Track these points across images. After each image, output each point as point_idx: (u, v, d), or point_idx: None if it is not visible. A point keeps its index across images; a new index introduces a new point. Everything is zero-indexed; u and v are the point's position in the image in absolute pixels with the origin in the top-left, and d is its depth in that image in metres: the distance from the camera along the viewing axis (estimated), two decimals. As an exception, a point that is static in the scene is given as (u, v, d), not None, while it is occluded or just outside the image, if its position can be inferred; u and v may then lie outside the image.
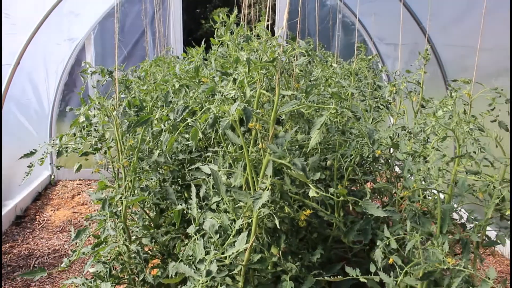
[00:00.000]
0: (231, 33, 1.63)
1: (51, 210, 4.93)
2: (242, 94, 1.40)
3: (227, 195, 1.47)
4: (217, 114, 1.38)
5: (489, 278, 1.44)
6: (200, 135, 1.39)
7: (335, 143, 2.16)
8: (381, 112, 2.42)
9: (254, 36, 1.85)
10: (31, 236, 4.30)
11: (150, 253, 2.29)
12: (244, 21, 3.27)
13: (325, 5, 5.70)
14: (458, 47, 4.08)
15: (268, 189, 1.36)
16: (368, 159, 2.31)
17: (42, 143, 2.07)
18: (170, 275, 1.51)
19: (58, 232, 4.42)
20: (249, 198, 1.35)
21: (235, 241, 1.42)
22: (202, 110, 1.41)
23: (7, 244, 4.08)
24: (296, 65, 1.46)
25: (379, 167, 2.47)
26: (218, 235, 1.44)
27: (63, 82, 5.37)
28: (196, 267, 1.42)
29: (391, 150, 2.48)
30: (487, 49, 3.68)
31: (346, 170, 2.16)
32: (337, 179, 2.19)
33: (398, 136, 2.35)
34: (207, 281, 1.44)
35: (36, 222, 4.61)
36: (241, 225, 1.48)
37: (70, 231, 4.43)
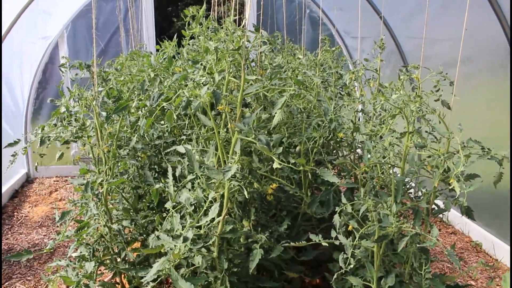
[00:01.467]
0: (201, 25, 1.79)
1: (29, 207, 4.99)
2: (211, 80, 1.56)
3: (200, 171, 1.63)
4: (189, 98, 1.54)
5: (434, 237, 1.64)
6: (174, 116, 1.54)
7: (301, 127, 2.34)
8: (344, 99, 2.61)
9: (223, 29, 2.01)
10: (10, 232, 4.36)
11: (130, 235, 2.43)
12: (215, 17, 3.42)
13: (293, 1, 5.88)
14: (418, 39, 4.32)
15: (237, 163, 1.53)
16: (331, 141, 2.50)
17: (21, 136, 2.19)
18: (150, 246, 1.66)
19: (37, 227, 4.50)
20: (219, 172, 1.51)
21: (208, 212, 1.59)
22: (176, 94, 1.56)
23: (-13, 240, 4.14)
24: (260, 52, 1.63)
25: (343, 150, 2.67)
26: (193, 207, 1.60)
27: (37, 80, 5.42)
28: (173, 237, 1.58)
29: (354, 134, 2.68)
30: (444, 39, 3.94)
31: (312, 151, 2.35)
32: (306, 161, 2.37)
33: (359, 120, 2.56)
34: (184, 248, 1.60)
35: (14, 219, 4.67)
36: (214, 198, 1.64)
37: (49, 226, 4.51)
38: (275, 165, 1.46)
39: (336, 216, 1.62)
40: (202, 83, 1.62)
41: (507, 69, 3.26)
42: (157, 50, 2.69)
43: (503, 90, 3.35)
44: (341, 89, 2.74)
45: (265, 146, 1.43)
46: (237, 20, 2.39)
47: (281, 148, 1.49)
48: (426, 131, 1.86)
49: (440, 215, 4.94)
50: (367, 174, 2.10)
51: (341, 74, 2.75)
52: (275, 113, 1.49)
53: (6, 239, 4.19)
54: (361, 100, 2.13)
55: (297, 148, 2.40)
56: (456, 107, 3.90)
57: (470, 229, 4.45)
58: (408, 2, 4.08)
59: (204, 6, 1.82)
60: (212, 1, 3.47)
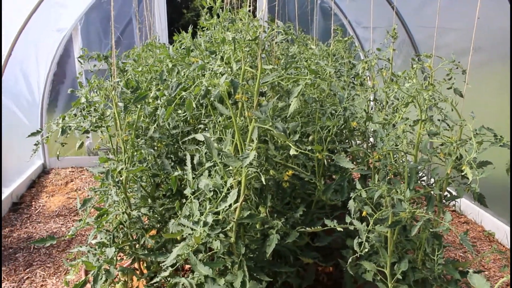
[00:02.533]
0: (218, 16, 1.83)
1: (46, 197, 5.10)
2: (229, 69, 1.60)
3: (218, 158, 1.68)
4: (208, 87, 1.59)
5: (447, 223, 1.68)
6: (193, 105, 1.59)
7: (315, 116, 2.38)
8: (356, 89, 2.64)
9: (238, 19, 2.05)
10: (28, 221, 4.47)
11: (148, 223, 2.50)
12: (228, 8, 3.46)
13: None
14: (429, 28, 4.32)
15: (254, 150, 1.57)
16: (344, 130, 2.54)
17: (37, 127, 2.25)
18: (170, 231, 1.72)
19: (55, 217, 4.60)
20: (237, 160, 1.56)
21: (227, 198, 1.64)
22: (195, 84, 1.61)
23: (6, 229, 4.25)
24: (276, 43, 1.67)
25: (356, 139, 2.71)
26: (211, 193, 1.66)
27: (53, 72, 5.50)
28: (193, 222, 1.64)
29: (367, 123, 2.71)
30: (455, 29, 3.93)
31: (325, 140, 2.39)
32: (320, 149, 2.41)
33: (371, 109, 2.59)
34: (203, 233, 1.66)
35: (32, 208, 4.78)
36: (231, 185, 1.69)
37: (66, 215, 4.61)
38: (292, 151, 1.51)
39: (351, 202, 1.67)
40: (220, 72, 1.66)
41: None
42: (170, 42, 2.74)
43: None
44: (353, 78, 2.76)
45: (282, 133, 1.47)
46: (250, 10, 2.43)
47: (297, 135, 1.54)
48: (439, 119, 1.89)
49: (453, 205, 4.96)
50: (380, 162, 2.14)
51: (353, 64, 2.78)
52: (291, 101, 1.53)
53: (25, 228, 4.30)
54: (374, 89, 2.16)
55: (310, 138, 2.44)
56: (468, 96, 3.92)
57: (482, 219, 4.47)
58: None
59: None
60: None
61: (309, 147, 1.51)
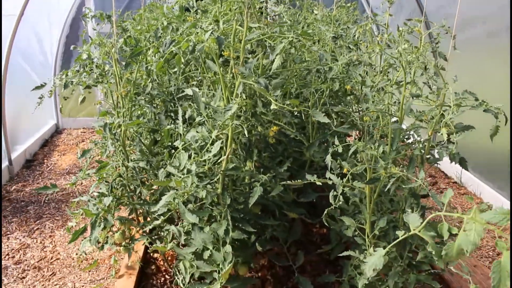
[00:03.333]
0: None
1: (58, 155, 5.28)
2: (216, 27, 1.68)
3: (206, 112, 1.78)
4: (196, 43, 1.67)
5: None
6: (182, 60, 1.67)
7: (311, 80, 2.44)
8: (353, 52, 2.69)
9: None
10: (40, 177, 4.66)
11: (146, 176, 2.62)
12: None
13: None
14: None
15: (238, 104, 1.66)
16: (339, 93, 2.59)
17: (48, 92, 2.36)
18: (160, 179, 1.84)
19: (65, 174, 4.79)
20: (221, 111, 1.65)
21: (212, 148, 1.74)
22: (184, 40, 1.69)
23: (19, 184, 4.45)
24: (266, 2, 1.73)
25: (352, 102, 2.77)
26: (197, 143, 1.76)
27: (65, 34, 5.61)
28: (179, 170, 1.75)
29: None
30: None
31: (319, 101, 2.46)
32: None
33: (366, 73, 2.63)
34: (191, 185, 1.77)
35: (44, 166, 4.97)
36: (218, 137, 1.79)
37: (77, 173, 4.79)
38: (273, 106, 1.59)
39: (328, 157, 1.75)
40: (210, 30, 1.74)
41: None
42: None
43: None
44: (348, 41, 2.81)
45: (263, 88, 1.55)
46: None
47: (279, 90, 1.61)
48: (424, 82, 1.94)
49: (455, 178, 5.01)
50: (367, 123, 2.21)
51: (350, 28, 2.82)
52: (274, 58, 1.60)
53: (37, 184, 4.49)
54: (363, 52, 2.21)
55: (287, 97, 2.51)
56: (473, 67, 3.93)
57: (482, 191, 4.52)
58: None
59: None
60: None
61: (288, 102, 1.58)
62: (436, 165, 5.28)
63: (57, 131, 6.05)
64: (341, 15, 3.35)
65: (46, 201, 4.12)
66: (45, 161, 5.10)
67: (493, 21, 3.76)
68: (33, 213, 3.89)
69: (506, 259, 0.91)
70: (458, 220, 1.17)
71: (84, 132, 6.00)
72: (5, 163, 4.52)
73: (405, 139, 2.10)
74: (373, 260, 1.39)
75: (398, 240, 1.40)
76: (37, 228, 3.67)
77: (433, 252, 1.22)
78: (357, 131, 3.26)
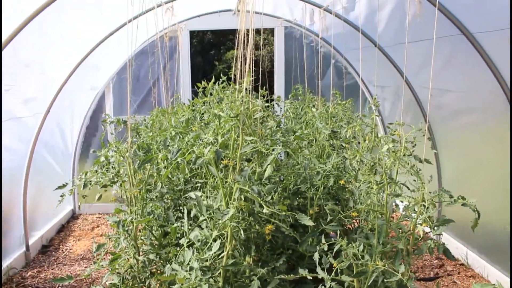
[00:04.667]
0: (211, 94, 2.20)
1: (73, 241, 5.49)
2: (216, 141, 1.95)
3: (207, 213, 2.00)
4: (198, 155, 1.94)
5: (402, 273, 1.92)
6: (186, 170, 1.93)
7: (304, 175, 2.68)
8: (346, 150, 2.95)
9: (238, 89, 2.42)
10: (55, 263, 4.84)
11: (156, 267, 2.81)
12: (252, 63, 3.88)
13: (319, 52, 6.32)
14: (428, 89, 4.62)
15: (236, 207, 1.89)
16: (333, 189, 2.82)
17: (68, 179, 2.65)
18: (166, 274, 2.03)
19: (79, 260, 4.96)
20: (220, 215, 1.88)
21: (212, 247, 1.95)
22: (188, 152, 1.96)
23: (35, 270, 4.63)
24: (257, 117, 2.01)
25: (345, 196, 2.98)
26: (200, 243, 1.97)
27: (85, 125, 6.05)
28: (183, 267, 1.95)
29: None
30: (450, 90, 4.23)
31: (315, 197, 2.68)
32: (310, 206, 2.69)
33: (358, 169, 2.87)
34: (195, 278, 1.96)
35: (59, 251, 5.16)
36: (219, 236, 2.00)
37: (90, 259, 4.96)
38: (265, 210, 1.82)
39: (316, 254, 1.94)
40: (211, 142, 2.02)
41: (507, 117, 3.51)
42: (193, 98, 3.13)
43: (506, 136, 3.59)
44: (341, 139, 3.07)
45: (255, 195, 1.79)
46: (253, 81, 2.81)
47: (270, 196, 1.85)
48: (402, 183, 2.17)
49: (462, 259, 5.06)
50: (357, 218, 2.41)
51: (342, 125, 3.10)
52: (265, 168, 1.86)
53: (52, 269, 4.66)
54: (350, 155, 2.46)
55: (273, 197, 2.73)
56: (469, 151, 4.14)
57: (489, 273, 4.56)
58: (417, 54, 4.40)
59: (213, 80, 2.23)
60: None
61: (277, 207, 1.80)
62: (435, 254, 5.35)
63: (73, 216, 6.30)
64: (337, 111, 3.66)
65: (59, 287, 4.27)
66: (61, 246, 5.30)
67: (479, 112, 4.05)
68: (47, 301, 4.03)
69: None
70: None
71: (99, 218, 6.24)
72: (22, 249, 4.74)
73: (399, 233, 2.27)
74: None
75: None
76: (51, 316, 3.80)
77: None
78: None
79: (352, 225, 2.87)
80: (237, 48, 2.26)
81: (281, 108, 5.04)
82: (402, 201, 2.21)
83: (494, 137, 3.92)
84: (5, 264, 4.34)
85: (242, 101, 1.93)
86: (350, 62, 6.42)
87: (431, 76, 2.91)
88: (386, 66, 5.31)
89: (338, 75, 6.52)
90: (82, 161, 6.16)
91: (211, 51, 22.70)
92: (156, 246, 2.79)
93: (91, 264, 4.81)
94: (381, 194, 2.31)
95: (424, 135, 2.32)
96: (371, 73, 5.98)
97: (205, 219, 2.12)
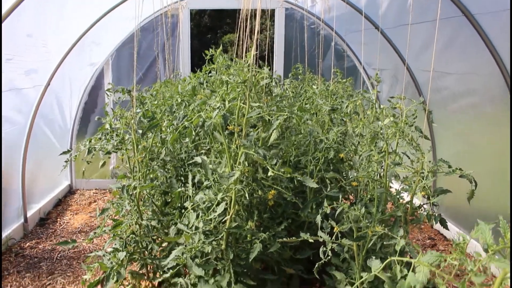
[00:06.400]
0: (217, 62, 2.23)
1: (70, 215, 5.53)
2: (222, 105, 1.99)
3: (212, 177, 2.05)
4: (205, 119, 1.97)
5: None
6: (193, 133, 1.97)
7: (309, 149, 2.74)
8: (347, 124, 3.00)
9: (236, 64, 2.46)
10: (53, 235, 4.89)
11: (157, 235, 2.86)
12: (247, 48, 3.91)
13: (319, 34, 6.34)
14: (428, 72, 4.67)
15: (240, 171, 1.94)
16: (333, 161, 2.88)
17: (72, 146, 2.69)
18: (171, 235, 2.08)
19: (77, 233, 5.01)
20: (225, 177, 1.93)
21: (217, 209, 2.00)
22: (196, 116, 2.00)
23: (33, 241, 4.67)
24: (263, 84, 2.05)
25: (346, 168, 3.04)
26: (205, 204, 2.02)
27: (84, 101, 6.05)
28: (188, 227, 2.00)
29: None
30: (450, 73, 4.27)
31: (316, 168, 2.73)
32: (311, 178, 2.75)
33: (358, 143, 2.93)
34: (198, 241, 2.01)
35: (57, 224, 5.20)
36: (222, 199, 2.05)
37: (88, 232, 5.01)
38: (270, 173, 1.86)
39: (318, 217, 2.00)
40: (217, 107, 2.06)
41: (506, 102, 3.57)
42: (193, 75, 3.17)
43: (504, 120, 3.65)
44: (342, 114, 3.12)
45: (261, 157, 1.84)
46: (256, 55, 2.84)
47: (275, 160, 1.90)
48: (403, 152, 2.22)
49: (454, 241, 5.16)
50: (358, 187, 2.47)
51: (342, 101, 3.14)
52: (271, 132, 1.90)
53: (50, 241, 4.71)
54: (352, 125, 2.51)
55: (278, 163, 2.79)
56: (466, 134, 4.22)
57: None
58: (417, 37, 4.44)
59: (221, 47, 2.27)
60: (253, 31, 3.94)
61: (282, 170, 1.85)
62: (436, 228, 5.45)
63: (70, 191, 6.33)
64: (337, 89, 3.71)
65: (58, 258, 4.32)
66: (58, 220, 5.34)
67: (479, 95, 4.10)
68: (46, 269, 4.08)
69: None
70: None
71: (96, 193, 6.27)
72: (20, 221, 4.77)
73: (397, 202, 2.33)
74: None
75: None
76: (49, 284, 3.85)
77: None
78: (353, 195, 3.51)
79: (353, 197, 2.93)
80: (238, 29, 2.30)
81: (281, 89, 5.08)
82: (402, 170, 2.27)
83: (492, 120, 3.98)
84: (4, 235, 4.38)
85: (249, 68, 1.97)
86: (349, 45, 6.44)
87: (433, 57, 2.95)
88: (386, 49, 5.35)
89: (338, 58, 6.55)
90: (80, 137, 6.18)
91: (207, 35, 22.60)
92: (158, 214, 2.84)
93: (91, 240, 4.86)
94: (382, 164, 2.36)
95: (424, 109, 2.37)
96: (370, 56, 6.01)
97: (210, 184, 2.17)
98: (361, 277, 2.28)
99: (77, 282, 3.88)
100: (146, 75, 6.10)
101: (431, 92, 5.03)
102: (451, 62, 4.26)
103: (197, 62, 6.65)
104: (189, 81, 2.59)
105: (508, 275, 1.19)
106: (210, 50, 2.23)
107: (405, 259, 1.35)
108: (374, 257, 1.93)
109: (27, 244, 4.58)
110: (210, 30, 22.66)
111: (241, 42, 3.90)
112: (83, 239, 4.81)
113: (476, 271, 1.22)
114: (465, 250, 1.32)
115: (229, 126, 2.02)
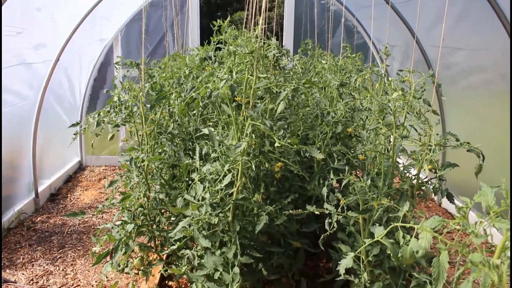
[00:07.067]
0: (226, 33, 2.21)
1: (81, 190, 5.60)
2: (230, 76, 1.98)
3: (219, 148, 2.06)
4: (212, 90, 1.97)
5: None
6: (201, 104, 1.97)
7: (312, 116, 2.72)
8: (355, 98, 2.98)
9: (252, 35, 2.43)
10: (64, 210, 4.96)
11: (165, 208, 2.89)
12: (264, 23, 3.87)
13: (329, 10, 6.25)
14: (439, 48, 4.60)
15: (247, 142, 1.94)
16: (341, 135, 2.87)
17: (75, 131, 2.70)
18: (178, 206, 2.10)
19: (87, 208, 5.08)
20: (232, 148, 1.93)
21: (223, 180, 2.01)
22: (203, 87, 2.00)
23: (44, 215, 4.75)
24: (271, 55, 2.04)
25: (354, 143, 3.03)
26: (212, 176, 2.03)
27: (93, 77, 6.06)
28: (195, 198, 2.01)
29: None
30: (461, 48, 4.21)
31: (323, 142, 2.73)
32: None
33: (366, 117, 2.91)
34: (205, 213, 2.03)
35: (67, 200, 5.28)
36: (229, 170, 2.06)
37: (97, 207, 5.08)
38: (276, 144, 1.86)
39: (324, 189, 2.00)
40: (225, 78, 2.05)
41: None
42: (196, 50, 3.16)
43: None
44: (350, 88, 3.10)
45: (267, 128, 1.83)
46: (264, 28, 2.82)
47: (282, 131, 1.89)
48: (410, 125, 2.20)
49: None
50: (364, 161, 2.47)
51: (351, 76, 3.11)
52: (278, 103, 1.89)
53: (60, 216, 4.78)
54: (360, 98, 2.49)
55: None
56: (476, 111, 4.18)
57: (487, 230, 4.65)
58: (429, 11, 4.36)
59: (229, 18, 2.24)
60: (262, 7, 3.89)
61: (289, 140, 1.84)
62: (443, 207, 5.45)
63: (80, 167, 6.39)
64: (347, 64, 3.67)
65: (68, 232, 4.40)
66: (69, 195, 5.41)
67: (490, 71, 4.04)
68: (56, 243, 4.16)
69: (443, 257, 1.14)
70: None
71: (106, 170, 6.33)
72: (31, 196, 4.85)
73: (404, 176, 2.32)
74: (345, 261, 1.62)
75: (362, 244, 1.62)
76: (60, 257, 3.92)
77: (391, 254, 1.45)
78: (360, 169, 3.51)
79: (359, 172, 2.93)
80: (248, 6, 2.25)
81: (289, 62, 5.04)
82: (409, 144, 2.25)
83: (503, 97, 3.92)
84: (16, 209, 4.46)
85: (257, 38, 1.95)
86: (360, 21, 6.35)
87: (443, 31, 2.89)
88: (396, 24, 5.27)
89: (348, 34, 6.48)
90: (89, 113, 6.21)
91: (217, 13, 22.44)
92: (166, 187, 2.87)
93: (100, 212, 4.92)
94: (389, 138, 2.35)
95: (433, 82, 2.34)
96: (381, 31, 5.93)
97: (217, 156, 2.17)
98: (368, 251, 2.30)
99: (87, 255, 3.95)
100: (155, 51, 6.08)
101: (441, 69, 4.97)
102: (463, 37, 4.19)
103: (207, 39, 6.60)
104: (197, 52, 2.58)
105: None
106: (218, 20, 2.20)
107: (408, 225, 1.35)
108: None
109: (38, 219, 4.66)
110: (220, 7, 22.46)
111: (250, 18, 3.87)
112: (92, 214, 4.87)
113: (476, 232, 1.21)
114: (467, 215, 1.31)
115: (236, 97, 2.01)
